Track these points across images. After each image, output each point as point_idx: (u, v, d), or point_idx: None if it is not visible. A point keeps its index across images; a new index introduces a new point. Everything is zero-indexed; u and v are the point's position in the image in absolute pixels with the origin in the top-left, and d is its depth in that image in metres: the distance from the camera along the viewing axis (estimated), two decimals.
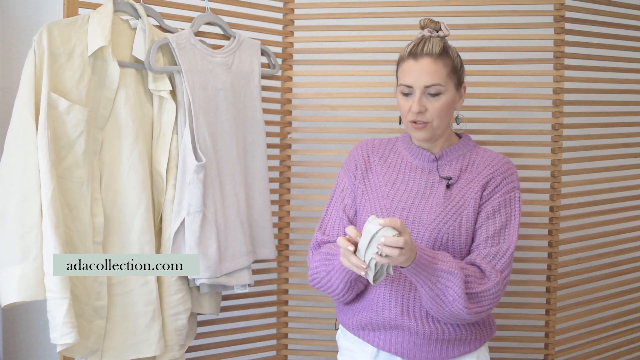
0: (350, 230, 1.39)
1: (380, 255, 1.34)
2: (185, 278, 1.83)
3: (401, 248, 1.33)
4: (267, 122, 2.06)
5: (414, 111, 1.53)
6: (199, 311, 1.90)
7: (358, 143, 1.72)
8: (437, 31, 1.57)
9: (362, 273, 1.37)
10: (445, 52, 1.54)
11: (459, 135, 1.67)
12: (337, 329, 1.74)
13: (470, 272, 1.49)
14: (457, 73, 1.56)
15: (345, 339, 1.68)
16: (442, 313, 1.48)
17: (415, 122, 1.55)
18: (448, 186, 1.58)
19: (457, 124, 1.63)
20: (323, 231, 1.66)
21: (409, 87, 1.54)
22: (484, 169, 1.59)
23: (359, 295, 1.62)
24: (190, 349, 2.00)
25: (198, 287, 1.87)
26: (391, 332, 1.57)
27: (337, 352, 1.76)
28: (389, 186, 1.63)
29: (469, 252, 1.57)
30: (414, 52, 1.54)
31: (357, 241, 1.38)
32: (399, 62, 1.59)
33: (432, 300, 1.46)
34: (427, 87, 1.52)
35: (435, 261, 1.44)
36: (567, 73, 2.08)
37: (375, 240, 1.35)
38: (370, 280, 1.39)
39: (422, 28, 1.59)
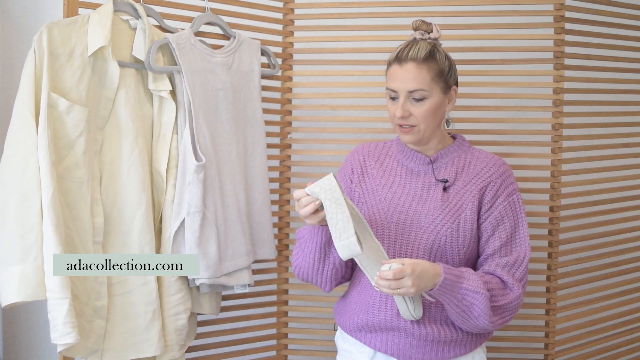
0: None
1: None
2: (185, 278, 1.83)
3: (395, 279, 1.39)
4: (267, 122, 2.06)
5: (398, 116, 1.55)
6: (199, 311, 1.90)
7: (355, 147, 1.74)
8: (429, 33, 1.57)
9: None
10: (431, 56, 1.54)
11: (454, 137, 1.67)
12: (336, 330, 1.74)
13: (494, 285, 1.51)
14: (443, 77, 1.55)
15: (343, 341, 1.69)
16: (467, 326, 1.52)
17: (401, 125, 1.57)
18: (445, 189, 1.58)
19: (447, 127, 1.62)
20: None
21: (394, 91, 1.55)
22: (480, 171, 1.59)
23: (355, 297, 1.63)
24: (190, 349, 2.00)
25: (198, 287, 1.87)
26: (387, 333, 1.58)
27: (336, 352, 1.76)
28: (386, 190, 1.63)
29: (466, 255, 1.57)
30: (399, 57, 1.55)
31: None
32: (387, 66, 1.60)
33: (458, 316, 1.50)
34: (411, 92, 1.53)
35: (461, 280, 1.47)
36: (567, 73, 2.08)
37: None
38: (410, 314, 1.51)
39: (415, 30, 1.59)
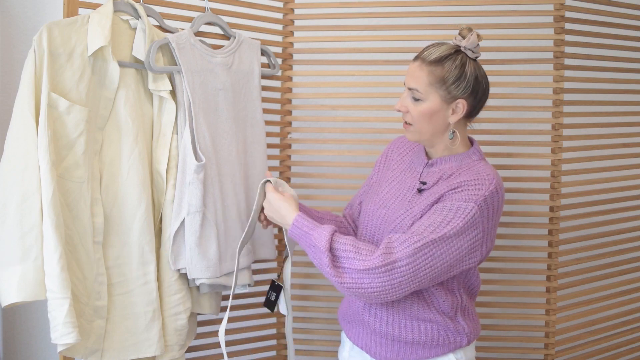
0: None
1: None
2: (185, 278, 1.83)
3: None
4: (267, 122, 2.05)
5: (395, 108, 1.58)
6: (199, 311, 1.90)
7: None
8: (463, 39, 1.54)
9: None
10: (439, 62, 1.51)
11: (472, 143, 1.64)
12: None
13: (349, 248, 1.45)
14: (445, 85, 1.51)
15: (343, 331, 1.74)
16: (329, 278, 1.48)
17: (405, 121, 1.58)
18: (420, 191, 1.58)
19: (450, 138, 1.56)
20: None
21: (404, 84, 1.58)
22: (458, 178, 1.52)
23: None
24: (190, 349, 2.00)
25: (198, 287, 1.87)
26: (359, 326, 1.63)
27: (337, 352, 1.78)
28: (388, 183, 1.66)
29: None
30: (418, 53, 1.56)
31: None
32: None
33: (317, 266, 1.51)
34: (410, 89, 1.54)
35: (311, 233, 1.50)
36: (567, 73, 2.08)
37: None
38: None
39: (459, 32, 1.56)
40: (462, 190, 1.48)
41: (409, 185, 1.61)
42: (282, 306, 1.78)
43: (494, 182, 1.49)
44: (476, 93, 1.54)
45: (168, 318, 1.79)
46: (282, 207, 1.60)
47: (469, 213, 1.45)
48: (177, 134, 1.80)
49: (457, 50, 1.53)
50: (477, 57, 1.55)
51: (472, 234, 1.46)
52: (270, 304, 1.81)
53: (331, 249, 1.47)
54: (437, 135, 1.57)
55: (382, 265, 1.42)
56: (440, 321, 1.56)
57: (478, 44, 1.53)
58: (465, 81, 1.52)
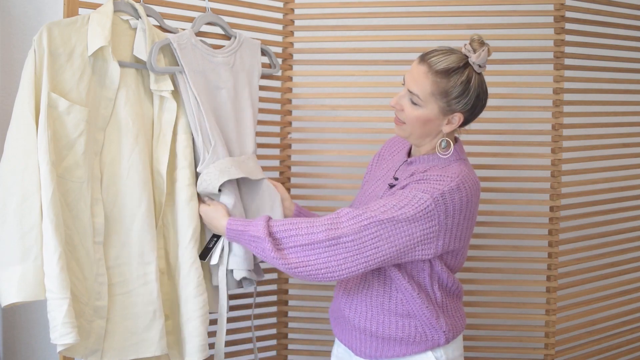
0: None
1: None
2: (209, 278, 1.81)
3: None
4: (267, 122, 2.06)
5: (390, 104, 1.57)
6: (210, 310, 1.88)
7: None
8: (473, 52, 1.50)
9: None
10: (445, 73, 1.48)
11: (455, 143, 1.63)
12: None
13: (288, 227, 1.49)
14: (446, 98, 1.50)
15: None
16: (280, 269, 1.51)
17: (396, 117, 1.57)
18: (391, 186, 1.59)
19: (442, 147, 1.56)
20: None
21: (404, 80, 1.56)
22: (427, 172, 1.53)
23: None
24: None
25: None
26: (342, 323, 1.64)
27: None
28: (374, 182, 1.68)
29: (401, 256, 1.49)
30: (424, 55, 1.52)
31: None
32: None
33: (263, 260, 1.53)
34: (409, 91, 1.52)
35: (248, 228, 1.54)
36: (567, 73, 2.08)
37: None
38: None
39: (469, 42, 1.52)
40: (423, 182, 1.49)
41: (386, 183, 1.63)
42: (215, 256, 1.76)
43: (456, 179, 1.49)
44: (474, 108, 1.54)
45: (198, 319, 1.75)
46: (213, 217, 1.67)
47: (422, 203, 1.45)
48: (176, 134, 1.79)
49: (465, 63, 1.50)
50: (482, 71, 1.53)
51: (426, 225, 1.46)
52: (206, 251, 1.78)
53: (270, 234, 1.49)
54: (425, 138, 1.58)
55: (326, 240, 1.44)
56: (418, 317, 1.56)
57: (487, 58, 1.51)
58: (467, 98, 1.51)
